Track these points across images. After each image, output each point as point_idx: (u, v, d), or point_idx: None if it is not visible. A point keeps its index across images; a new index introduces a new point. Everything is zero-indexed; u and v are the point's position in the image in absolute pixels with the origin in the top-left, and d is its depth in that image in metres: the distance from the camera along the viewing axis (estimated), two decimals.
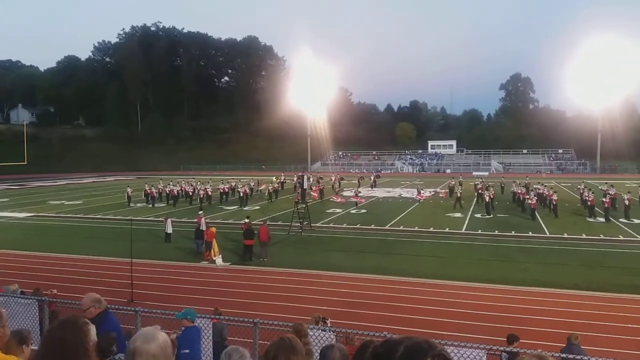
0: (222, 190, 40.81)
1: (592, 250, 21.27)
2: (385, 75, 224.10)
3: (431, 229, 26.41)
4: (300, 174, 30.37)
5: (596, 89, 74.02)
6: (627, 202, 30.21)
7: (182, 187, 41.72)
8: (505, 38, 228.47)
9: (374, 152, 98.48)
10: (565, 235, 24.35)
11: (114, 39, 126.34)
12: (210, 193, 39.74)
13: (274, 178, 47.09)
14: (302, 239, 24.45)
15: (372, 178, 54.43)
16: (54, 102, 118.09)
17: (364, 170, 75.76)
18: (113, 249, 21.55)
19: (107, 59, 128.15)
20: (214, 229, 20.58)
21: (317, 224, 27.71)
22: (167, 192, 40.06)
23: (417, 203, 37.14)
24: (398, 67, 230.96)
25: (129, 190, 39.81)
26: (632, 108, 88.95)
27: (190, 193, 40.60)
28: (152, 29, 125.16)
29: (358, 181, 52.19)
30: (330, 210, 33.94)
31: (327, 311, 11.95)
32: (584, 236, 24.15)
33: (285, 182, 49.98)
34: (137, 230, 23.03)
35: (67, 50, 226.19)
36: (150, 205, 37.88)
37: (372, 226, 27.52)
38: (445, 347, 5.79)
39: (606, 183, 36.26)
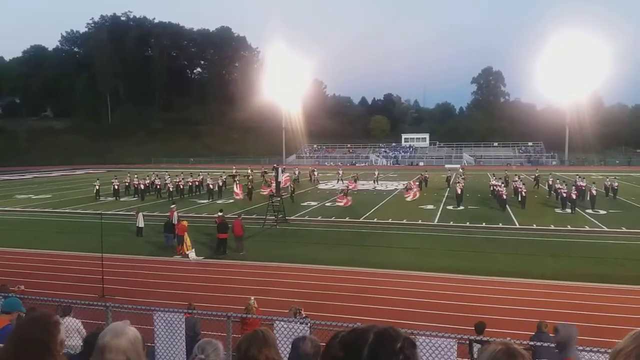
0: (191, 183, 40.40)
1: (560, 240, 21.85)
2: (359, 68, 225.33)
3: (404, 221, 26.69)
4: (275, 166, 30.24)
5: (565, 83, 75.81)
6: (594, 193, 31.10)
7: (151, 180, 41.01)
8: (478, 33, 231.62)
9: (349, 145, 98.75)
10: (534, 226, 24.93)
11: (82, 29, 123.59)
12: (182, 186, 39.25)
13: (249, 170, 46.70)
14: (277, 232, 24.42)
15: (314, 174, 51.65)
16: (20, 93, 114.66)
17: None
18: (83, 243, 21.12)
19: (76, 49, 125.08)
20: (185, 223, 20.38)
21: (292, 217, 27.70)
22: (135, 185, 39.43)
23: (395, 192, 37.04)
24: (372, 61, 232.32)
25: (96, 183, 39.07)
26: (598, 102, 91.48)
27: (158, 186, 39.79)
28: (123, 18, 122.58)
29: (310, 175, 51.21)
30: (305, 204, 33.95)
31: (301, 303, 11.98)
32: (552, 227, 24.76)
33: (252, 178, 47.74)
34: (108, 225, 22.68)
35: (33, 40, 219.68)
36: (115, 199, 37.13)
37: (347, 218, 27.66)
38: (417, 337, 5.89)
39: (578, 175, 37.21)
